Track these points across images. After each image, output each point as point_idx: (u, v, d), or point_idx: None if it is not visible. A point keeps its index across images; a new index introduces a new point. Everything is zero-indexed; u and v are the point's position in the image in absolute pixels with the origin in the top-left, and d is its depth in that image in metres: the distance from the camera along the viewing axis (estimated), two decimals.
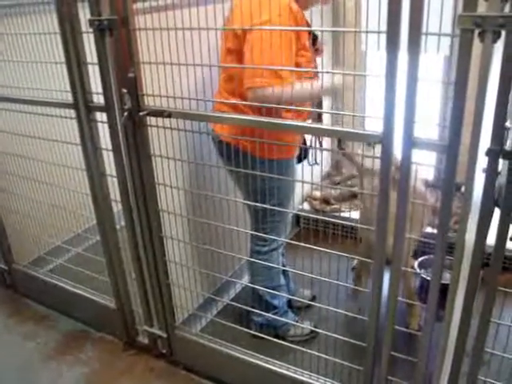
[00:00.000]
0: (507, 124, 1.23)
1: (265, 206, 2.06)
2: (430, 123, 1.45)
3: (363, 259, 1.93)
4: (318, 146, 2.31)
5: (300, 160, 2.35)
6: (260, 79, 1.90)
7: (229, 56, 2.06)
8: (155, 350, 2.51)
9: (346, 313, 1.90)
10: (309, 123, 2.03)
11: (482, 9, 1.16)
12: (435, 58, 3.26)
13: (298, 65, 2.01)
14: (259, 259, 2.37)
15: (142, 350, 2.57)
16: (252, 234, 2.38)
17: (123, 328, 2.57)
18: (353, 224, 2.45)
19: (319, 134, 1.82)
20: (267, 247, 2.40)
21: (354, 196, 3.60)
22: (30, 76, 2.37)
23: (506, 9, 1.14)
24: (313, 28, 2.11)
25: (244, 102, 1.99)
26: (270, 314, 2.39)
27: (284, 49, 1.90)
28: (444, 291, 1.55)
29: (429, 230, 2.57)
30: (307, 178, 1.85)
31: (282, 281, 2.56)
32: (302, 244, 1.88)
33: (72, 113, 2.11)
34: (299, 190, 3.33)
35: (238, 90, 2.03)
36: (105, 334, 2.71)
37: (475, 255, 1.43)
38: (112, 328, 2.66)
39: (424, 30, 1.28)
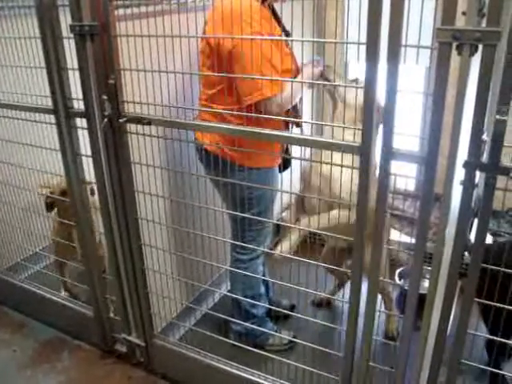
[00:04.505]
0: (484, 137, 1.25)
1: (245, 215, 2.05)
2: (409, 134, 1.46)
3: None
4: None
5: (282, 169, 2.34)
6: (264, 90, 1.89)
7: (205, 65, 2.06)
8: (133, 359, 2.49)
9: (323, 323, 1.90)
10: (290, 132, 2.04)
11: (460, 23, 1.18)
12: (417, 69, 3.29)
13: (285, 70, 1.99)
14: (240, 268, 2.35)
15: (119, 358, 2.55)
16: (233, 243, 2.37)
17: (101, 336, 2.55)
18: (333, 234, 2.44)
19: (299, 143, 1.80)
20: (249, 255, 2.39)
21: None
22: (9, 80, 2.34)
23: (483, 23, 1.16)
24: (295, 38, 2.11)
25: (229, 112, 1.95)
26: (248, 324, 2.38)
27: (273, 56, 1.88)
28: (422, 301, 1.56)
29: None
30: (287, 187, 1.85)
31: (262, 290, 2.54)
32: (283, 254, 1.88)
33: (52, 118, 2.09)
34: (279, 199, 3.33)
35: (222, 99, 2.01)
36: (82, 342, 2.68)
37: (453, 266, 1.44)
38: (90, 336, 2.62)
39: (403, 41, 1.29)
